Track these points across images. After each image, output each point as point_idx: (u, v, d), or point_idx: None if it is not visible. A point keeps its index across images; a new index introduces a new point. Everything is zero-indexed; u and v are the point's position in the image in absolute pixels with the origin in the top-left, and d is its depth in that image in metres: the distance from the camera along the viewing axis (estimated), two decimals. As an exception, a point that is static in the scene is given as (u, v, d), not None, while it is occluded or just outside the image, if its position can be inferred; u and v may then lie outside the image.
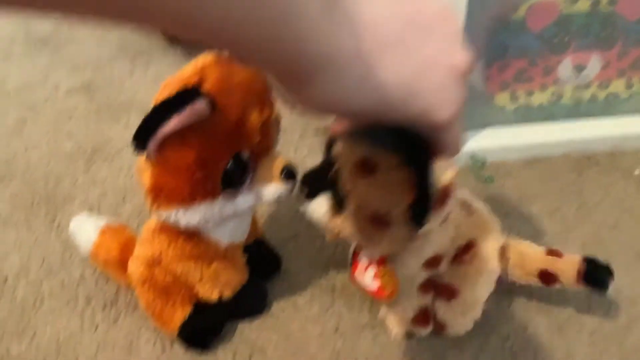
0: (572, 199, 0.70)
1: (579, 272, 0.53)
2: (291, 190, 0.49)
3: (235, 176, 0.46)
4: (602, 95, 0.77)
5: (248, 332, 0.56)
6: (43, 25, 1.05)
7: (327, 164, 0.45)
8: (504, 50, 0.71)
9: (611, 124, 0.78)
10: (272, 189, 0.48)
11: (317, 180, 0.46)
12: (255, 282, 0.57)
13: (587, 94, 0.77)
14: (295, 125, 0.80)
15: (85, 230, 0.58)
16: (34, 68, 0.94)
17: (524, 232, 0.55)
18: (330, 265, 0.62)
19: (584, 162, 0.74)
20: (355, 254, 0.52)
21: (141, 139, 0.43)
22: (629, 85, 0.77)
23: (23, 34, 1.03)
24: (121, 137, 0.79)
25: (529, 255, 0.55)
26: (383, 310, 0.56)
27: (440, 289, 0.53)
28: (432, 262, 0.50)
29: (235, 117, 0.44)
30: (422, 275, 0.51)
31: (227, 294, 0.54)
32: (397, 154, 0.38)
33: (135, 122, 0.81)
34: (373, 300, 0.58)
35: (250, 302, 0.57)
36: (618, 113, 0.79)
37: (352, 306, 0.58)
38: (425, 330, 0.55)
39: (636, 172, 0.73)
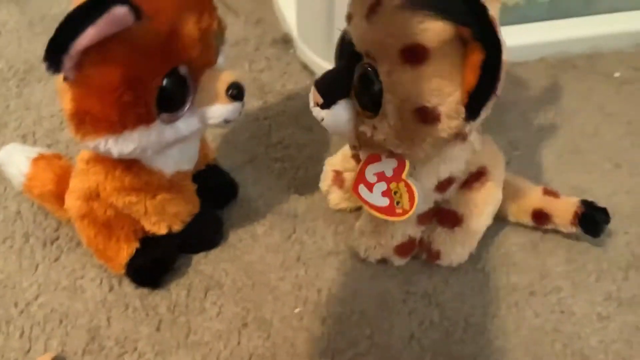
0: (549, 105, 0.65)
1: (575, 214, 0.52)
2: (239, 111, 0.43)
3: (172, 96, 0.40)
4: (581, -9, 0.71)
5: (203, 265, 0.52)
6: None
7: (346, 64, 0.41)
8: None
9: (589, 23, 0.73)
10: (218, 110, 0.43)
11: (335, 86, 0.42)
12: (208, 211, 0.52)
13: (565, -10, 0.71)
14: (250, 35, 0.73)
15: (16, 161, 0.52)
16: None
17: (499, 143, 0.51)
18: (290, 190, 0.57)
19: (561, 65, 0.70)
20: (362, 167, 0.47)
21: (54, 55, 0.36)
22: (610, -20, 0.71)
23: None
24: (57, 55, 0.72)
25: (526, 193, 0.53)
26: (358, 234, 0.52)
27: (444, 215, 0.50)
28: (445, 185, 0.47)
29: (167, 25, 0.38)
30: (431, 199, 0.47)
31: (177, 226, 0.50)
32: (469, 26, 0.35)
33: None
34: (338, 224, 0.54)
35: (203, 233, 0.53)
36: (597, 11, 0.73)
37: (315, 233, 0.54)
38: (401, 261, 0.52)
39: (616, 75, 0.69)
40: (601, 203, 0.54)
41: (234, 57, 0.70)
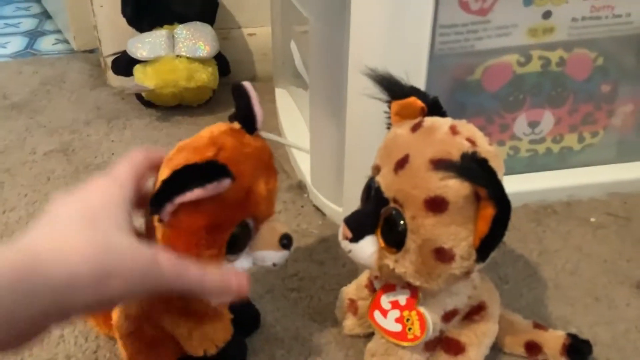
0: (533, 246, 0.73)
1: (564, 345, 0.58)
2: (286, 258, 0.51)
3: (239, 242, 0.49)
4: (556, 148, 0.82)
5: (227, 384, 0.57)
6: (19, 89, 1.08)
7: (373, 206, 0.49)
8: (462, 109, 0.76)
9: (566, 175, 0.83)
10: (270, 255, 0.50)
11: (363, 223, 0.49)
12: (236, 338, 0.58)
13: (542, 148, 0.82)
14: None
15: None
16: (10, 132, 0.96)
17: (491, 277, 0.58)
18: (305, 317, 0.64)
19: (543, 211, 0.79)
20: (378, 295, 0.54)
21: (159, 202, 0.44)
22: (580, 139, 0.82)
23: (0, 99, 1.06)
24: (98, 198, 0.81)
25: (518, 326, 0.60)
26: (369, 355, 0.57)
27: (448, 343, 0.56)
28: (450, 315, 0.53)
29: (246, 186, 0.46)
30: (437, 328, 0.53)
31: (212, 351, 0.55)
32: (485, 187, 0.43)
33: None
34: (349, 348, 0.60)
35: (231, 357, 0.58)
36: (572, 165, 0.84)
37: (328, 356, 0.60)
38: None
39: (592, 219, 0.78)
40: (583, 333, 0.60)
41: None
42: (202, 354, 0.55)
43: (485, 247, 0.46)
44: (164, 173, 0.47)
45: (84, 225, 0.38)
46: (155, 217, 0.46)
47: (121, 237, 0.39)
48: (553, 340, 0.59)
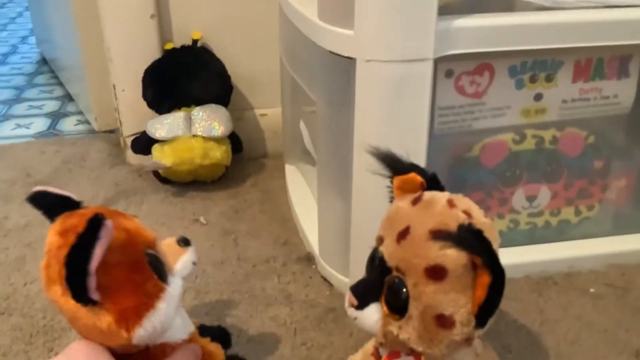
0: (535, 316, 0.76)
1: None
2: (195, 252, 0.56)
3: (160, 268, 0.51)
4: (554, 221, 0.86)
5: None
6: (42, 168, 1.13)
7: (377, 274, 0.52)
8: (462, 184, 0.80)
9: (565, 247, 0.86)
10: (184, 260, 0.55)
11: (368, 291, 0.52)
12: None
13: (540, 221, 0.85)
14: (278, 254, 0.87)
15: None
16: (33, 209, 1.00)
17: (494, 346, 0.60)
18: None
19: (543, 282, 0.81)
20: None
21: (81, 290, 0.44)
22: (577, 213, 0.86)
23: (23, 177, 1.11)
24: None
25: None
26: None
27: None
28: None
29: (118, 226, 0.48)
30: None
31: None
32: (480, 256, 0.46)
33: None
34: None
35: None
36: (570, 237, 0.87)
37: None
38: None
39: (591, 290, 0.80)
40: (586, 401, 0.62)
41: (265, 271, 0.83)
42: None
43: (483, 313, 0.48)
44: (55, 290, 0.47)
45: None
46: (90, 306, 0.46)
47: None
48: None
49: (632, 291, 0.80)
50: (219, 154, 1.01)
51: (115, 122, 1.17)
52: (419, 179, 0.55)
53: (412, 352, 0.53)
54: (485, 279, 0.47)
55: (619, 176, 0.86)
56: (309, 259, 0.87)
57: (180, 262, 0.54)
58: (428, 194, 0.54)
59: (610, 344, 0.71)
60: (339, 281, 0.80)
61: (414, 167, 0.56)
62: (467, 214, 0.51)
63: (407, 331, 0.50)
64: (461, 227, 0.49)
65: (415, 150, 0.66)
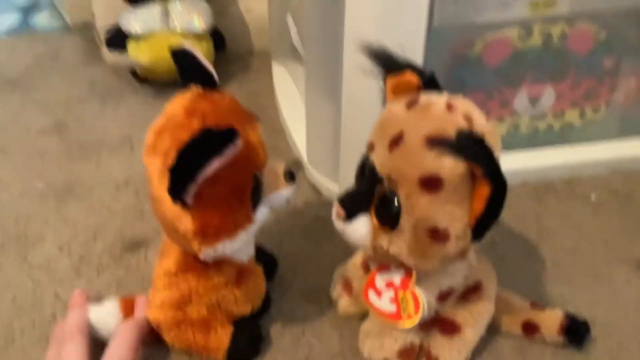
0: (533, 224, 0.72)
1: (561, 326, 0.57)
2: (290, 196, 0.53)
3: (257, 195, 0.49)
4: (557, 125, 0.81)
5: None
6: (13, 67, 1.06)
7: (367, 184, 0.47)
8: (461, 85, 0.74)
9: (567, 152, 0.82)
10: (281, 194, 0.52)
11: (357, 202, 0.48)
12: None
13: (543, 124, 0.80)
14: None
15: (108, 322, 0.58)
16: (4, 109, 0.94)
17: (488, 256, 0.57)
18: (301, 297, 0.63)
19: (542, 189, 0.78)
20: (373, 275, 0.54)
21: (179, 189, 0.43)
22: (582, 115, 0.81)
23: (-7, 76, 1.04)
24: (92, 176, 0.80)
25: (516, 306, 0.59)
26: (363, 335, 0.57)
27: (444, 323, 0.55)
28: (445, 295, 0.53)
29: (243, 139, 0.46)
30: (432, 308, 0.53)
31: (258, 302, 0.57)
32: (480, 165, 0.42)
33: (106, 160, 0.83)
34: (344, 328, 0.60)
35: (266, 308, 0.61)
36: (573, 141, 0.82)
37: (322, 336, 0.59)
38: None
39: (592, 198, 0.77)
40: (583, 313, 0.60)
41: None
42: (250, 309, 0.56)
43: (481, 226, 0.44)
44: (155, 162, 0.46)
45: None
46: (178, 206, 0.45)
47: None
48: (550, 320, 0.58)
49: (635, 199, 0.76)
50: (200, 51, 0.94)
51: (89, 15, 1.08)
52: (415, 79, 0.49)
53: (402, 265, 0.50)
54: (484, 190, 0.43)
55: (628, 76, 0.80)
56: (297, 165, 0.82)
57: (277, 195, 0.51)
58: (424, 97, 0.48)
59: (611, 254, 0.68)
60: (328, 189, 0.76)
61: (409, 66, 0.50)
62: (468, 118, 0.46)
63: (397, 245, 0.47)
64: (460, 133, 0.44)
65: (411, 46, 0.60)
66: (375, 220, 0.48)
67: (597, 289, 0.64)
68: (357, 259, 0.60)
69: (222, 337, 0.55)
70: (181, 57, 0.50)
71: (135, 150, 0.85)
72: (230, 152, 0.43)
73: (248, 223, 0.49)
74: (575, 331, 0.57)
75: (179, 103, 0.48)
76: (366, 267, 0.57)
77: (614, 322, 0.61)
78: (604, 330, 0.60)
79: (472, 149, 0.43)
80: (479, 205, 0.43)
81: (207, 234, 0.46)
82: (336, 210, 0.49)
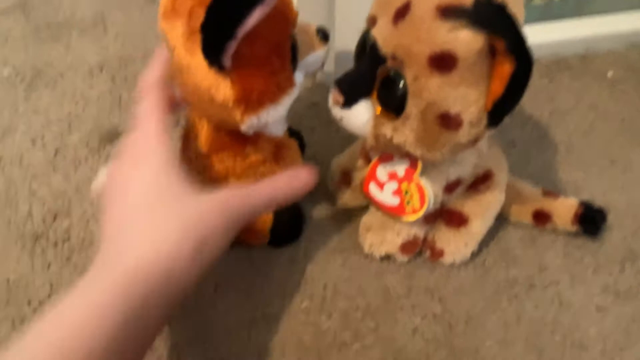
0: (544, 105, 0.67)
1: (575, 215, 0.53)
2: (325, 58, 0.48)
3: (295, 54, 0.44)
4: (574, -6, 0.73)
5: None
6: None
7: (368, 65, 0.41)
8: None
9: (583, 25, 0.74)
10: (316, 56, 0.47)
11: (357, 86, 0.42)
12: None
13: (559, -6, 0.73)
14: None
15: None
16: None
17: (496, 141, 0.52)
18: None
19: (555, 66, 0.71)
20: (374, 166, 0.49)
21: (216, 50, 0.38)
22: (602, -18, 0.73)
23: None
24: (63, 59, 0.73)
25: (526, 195, 0.55)
26: (364, 229, 0.53)
27: (450, 215, 0.51)
28: (453, 186, 0.48)
29: None
30: (438, 200, 0.48)
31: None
32: (503, 38, 0.36)
33: (77, 41, 0.75)
34: (343, 222, 0.56)
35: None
36: (590, 13, 0.75)
37: (320, 230, 0.56)
38: (405, 258, 0.53)
39: (609, 75, 0.71)
40: (597, 199, 0.56)
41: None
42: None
43: (499, 110, 0.39)
44: (176, 26, 0.40)
45: (160, 209, 0.38)
46: (214, 69, 0.40)
47: (194, 200, 0.39)
48: (564, 208, 0.54)
49: (656, 74, 0.70)
50: None
51: None
52: None
53: (407, 155, 0.44)
54: (506, 67, 0.36)
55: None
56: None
57: (313, 57, 0.46)
58: (436, -43, 0.40)
59: (628, 134, 0.64)
60: (321, 71, 0.69)
61: None
62: (486, -17, 0.39)
63: (403, 133, 0.41)
64: (478, 0, 0.37)
65: None
66: (377, 106, 0.42)
67: (613, 174, 0.60)
68: (357, 148, 0.55)
69: (265, 219, 0.51)
70: None
71: (108, 30, 0.77)
72: (270, 1, 0.37)
73: (291, 86, 0.43)
74: (591, 220, 0.53)
75: None
76: (366, 157, 0.52)
77: (629, 209, 0.57)
78: (619, 217, 0.56)
79: (493, 19, 0.36)
80: (499, 85, 0.37)
81: (250, 99, 0.41)
82: (333, 95, 0.43)
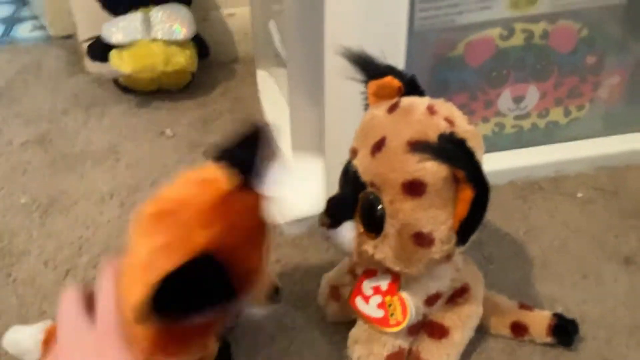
0: (519, 224, 0.72)
1: (549, 326, 0.57)
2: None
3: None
4: (542, 123, 0.81)
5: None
6: (-5, 79, 1.05)
7: (351, 190, 0.47)
8: (445, 86, 0.74)
9: (552, 151, 0.82)
10: (255, 312, 0.49)
11: (341, 209, 0.48)
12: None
13: (527, 124, 0.80)
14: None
15: (27, 349, 0.54)
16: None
17: (475, 258, 0.57)
18: (289, 303, 0.63)
19: (529, 188, 0.78)
20: (360, 281, 0.53)
21: (158, 312, 0.37)
22: (566, 113, 0.81)
23: (-25, 90, 1.03)
24: (76, 188, 0.79)
25: (504, 307, 0.59)
26: (352, 342, 0.56)
27: (432, 327, 0.55)
28: (433, 299, 0.53)
29: (248, 269, 0.43)
30: (420, 312, 0.52)
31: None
32: (463, 169, 0.42)
33: (90, 171, 0.82)
34: (332, 335, 0.59)
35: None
36: (558, 140, 0.82)
37: (311, 343, 0.59)
38: None
39: (579, 195, 0.77)
40: (571, 311, 0.60)
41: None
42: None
43: (465, 230, 0.44)
44: (145, 245, 0.40)
45: None
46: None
47: None
48: (539, 320, 0.58)
49: (621, 195, 0.76)
50: (183, 59, 0.93)
51: (71, 26, 1.07)
52: (396, 83, 0.49)
53: (388, 270, 0.49)
54: (467, 193, 0.42)
55: (611, 72, 0.80)
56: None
57: (250, 311, 0.49)
58: (406, 100, 0.48)
59: (598, 251, 0.68)
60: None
61: (390, 70, 0.50)
62: (449, 121, 0.46)
63: (383, 251, 0.46)
64: (442, 137, 0.44)
65: (392, 50, 0.59)
66: (360, 227, 0.47)
67: (586, 287, 0.64)
68: (345, 265, 0.59)
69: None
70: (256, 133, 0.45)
71: (119, 160, 0.84)
72: (224, 310, 0.41)
73: (202, 351, 0.47)
74: (564, 331, 0.57)
75: (196, 187, 0.42)
76: (353, 273, 0.57)
77: (602, 319, 0.61)
78: (593, 327, 0.60)
79: (454, 153, 0.43)
80: (463, 209, 0.43)
81: (155, 354, 0.42)
82: (321, 219, 0.49)
